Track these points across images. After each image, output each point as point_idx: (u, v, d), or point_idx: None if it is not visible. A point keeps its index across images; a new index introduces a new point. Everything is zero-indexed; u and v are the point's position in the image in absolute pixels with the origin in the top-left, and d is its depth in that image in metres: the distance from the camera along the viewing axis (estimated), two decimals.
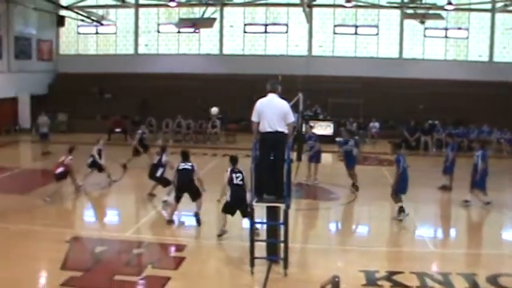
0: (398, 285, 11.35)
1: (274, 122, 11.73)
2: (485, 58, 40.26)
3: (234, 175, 14.10)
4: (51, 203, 17.61)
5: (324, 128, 32.90)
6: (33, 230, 14.70)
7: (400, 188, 16.53)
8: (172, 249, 13.53)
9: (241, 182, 13.99)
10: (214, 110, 20.23)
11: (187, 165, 15.65)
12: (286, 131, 11.90)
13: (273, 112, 11.78)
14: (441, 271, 12.25)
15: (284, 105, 11.98)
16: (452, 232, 16.37)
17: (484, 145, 19.73)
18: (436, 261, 13.31)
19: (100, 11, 39.57)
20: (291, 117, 12.05)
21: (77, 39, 43.31)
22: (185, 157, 15.90)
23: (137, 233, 14.95)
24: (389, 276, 11.75)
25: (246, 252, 11.93)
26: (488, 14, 39.83)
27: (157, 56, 42.24)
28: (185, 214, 16.23)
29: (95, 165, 20.15)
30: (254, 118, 12.00)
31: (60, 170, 18.41)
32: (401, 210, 16.39)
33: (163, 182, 18.02)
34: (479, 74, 38.44)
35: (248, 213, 12.67)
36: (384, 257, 13.64)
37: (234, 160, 14.63)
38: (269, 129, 11.74)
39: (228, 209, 13.99)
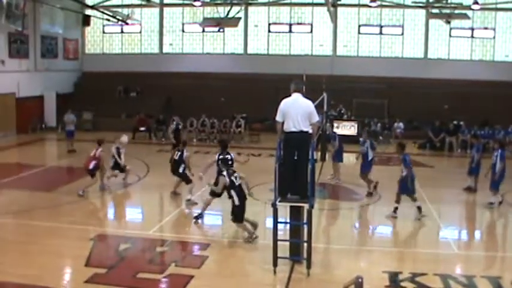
0: (421, 287, 11.28)
1: (299, 121, 11.72)
2: None
3: (233, 178, 14.27)
4: (80, 200, 17.78)
5: (348, 128, 32.75)
6: (59, 227, 14.85)
7: (403, 188, 16.58)
8: (196, 247, 13.57)
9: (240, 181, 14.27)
10: (124, 138, 20.07)
11: (227, 156, 15.85)
12: (310, 131, 11.89)
13: (297, 112, 11.77)
14: (465, 273, 12.15)
15: (309, 105, 11.96)
16: (477, 234, 16.24)
17: (503, 145, 19.40)
18: (460, 264, 13.22)
19: (125, 11, 39.77)
20: (316, 117, 12.03)
21: (102, 39, 43.64)
22: (224, 147, 16.26)
23: (161, 231, 15.03)
24: (413, 277, 11.68)
25: (269, 251, 11.92)
26: None
27: (181, 55, 42.39)
28: (208, 213, 16.26)
29: (117, 167, 20.13)
30: (279, 118, 11.96)
31: (93, 164, 18.56)
32: (395, 209, 16.76)
33: (186, 178, 18.06)
34: (506, 74, 38.03)
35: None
36: (407, 258, 13.58)
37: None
38: (294, 129, 11.73)
39: (242, 213, 14.04)
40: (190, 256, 13.05)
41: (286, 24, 41.50)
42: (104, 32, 43.37)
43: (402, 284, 11.45)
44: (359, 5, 40.13)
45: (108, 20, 39.11)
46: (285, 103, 11.96)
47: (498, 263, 13.62)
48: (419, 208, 16.51)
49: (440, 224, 16.59)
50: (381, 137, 35.11)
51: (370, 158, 20.35)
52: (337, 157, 22.23)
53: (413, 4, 38.71)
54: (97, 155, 18.72)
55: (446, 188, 21.34)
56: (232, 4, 35.76)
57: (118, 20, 38.90)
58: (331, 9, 35.97)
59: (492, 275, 12.10)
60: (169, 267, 11.95)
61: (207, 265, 12.21)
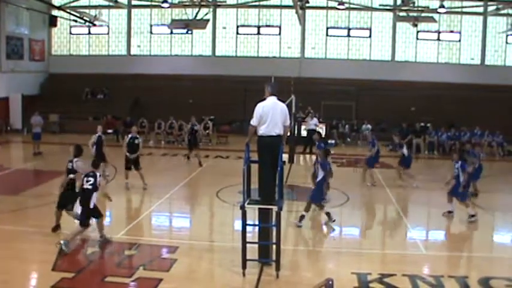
0: None
1: (278, 125, 11.73)
2: (477, 61, 40.46)
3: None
4: (47, 203, 17.56)
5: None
6: (25, 231, 14.62)
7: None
8: (164, 250, 13.47)
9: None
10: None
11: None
12: (281, 134, 11.90)
13: (277, 116, 11.74)
14: (433, 274, 12.26)
15: (285, 109, 11.99)
16: (444, 235, 16.39)
17: (463, 157, 18.53)
18: (428, 264, 13.32)
19: (92, 12, 39.51)
20: (288, 120, 12.07)
21: (70, 40, 43.28)
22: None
23: (129, 234, 14.89)
24: (382, 278, 11.75)
25: (237, 254, 11.90)
26: (480, 18, 40.03)
27: (149, 57, 42.25)
28: (177, 216, 16.20)
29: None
30: (254, 122, 11.85)
31: None
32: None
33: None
34: (471, 76, 38.65)
35: None
36: (376, 260, 13.63)
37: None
38: (272, 133, 11.70)
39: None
40: (159, 259, 12.94)
41: (255, 26, 41.60)
42: (71, 33, 43.03)
43: (371, 285, 11.49)
44: (327, 8, 40.37)
45: (75, 21, 38.78)
46: (263, 107, 11.83)
47: (465, 262, 13.79)
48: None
49: (408, 225, 16.74)
50: (348, 139, 35.40)
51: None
52: (371, 162, 22.51)
53: (380, 7, 39.09)
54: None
55: (414, 189, 21.53)
56: (200, 6, 35.68)
57: (85, 21, 38.61)
58: (300, 11, 36.08)
59: (459, 274, 12.23)
60: (137, 270, 11.85)
61: (175, 268, 12.14)
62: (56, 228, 14.56)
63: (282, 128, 11.79)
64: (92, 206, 13.48)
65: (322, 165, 16.36)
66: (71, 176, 14.52)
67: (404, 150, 22.44)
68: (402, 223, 17.08)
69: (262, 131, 11.78)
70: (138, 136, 20.56)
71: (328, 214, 16.34)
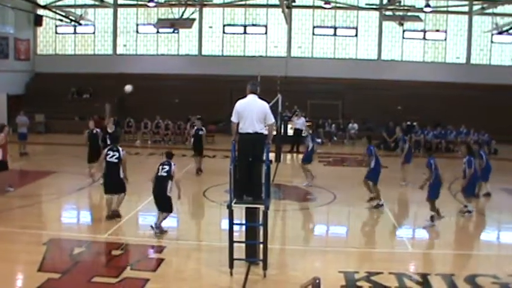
0: (377, 286, 11.38)
1: (254, 123, 11.72)
2: (463, 60, 40.66)
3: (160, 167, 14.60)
4: (33, 203, 17.49)
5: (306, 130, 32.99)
6: (10, 232, 14.53)
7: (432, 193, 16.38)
8: (151, 250, 13.44)
9: (165, 174, 14.43)
10: (128, 88, 19.87)
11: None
12: (265, 132, 11.90)
13: (253, 113, 11.76)
14: (420, 272, 12.32)
15: (264, 106, 11.96)
16: (431, 233, 16.46)
17: (470, 151, 18.19)
18: (414, 262, 13.38)
19: (78, 11, 39.36)
20: (271, 118, 12.03)
21: (55, 39, 43.08)
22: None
23: (116, 234, 14.84)
24: (369, 276, 11.79)
25: (225, 253, 11.89)
26: (466, 17, 40.23)
27: (135, 56, 42.12)
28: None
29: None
30: (234, 119, 11.95)
31: None
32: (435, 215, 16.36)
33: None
34: (457, 75, 38.87)
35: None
36: (363, 258, 13.68)
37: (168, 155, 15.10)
38: (249, 130, 11.72)
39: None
40: (146, 259, 12.92)
41: (241, 25, 41.58)
42: (56, 33, 42.83)
43: (358, 283, 11.53)
44: (313, 7, 40.44)
45: (61, 20, 38.64)
46: (240, 104, 11.95)
47: (451, 260, 13.83)
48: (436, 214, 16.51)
49: (395, 223, 16.80)
50: (335, 138, 35.48)
51: (310, 148, 21.81)
52: (407, 159, 22.57)
53: (367, 6, 39.21)
54: None
55: (401, 188, 21.61)
56: (186, 5, 35.63)
57: (71, 20, 38.47)
58: (286, 10, 36.13)
59: (446, 272, 12.29)
60: (124, 270, 11.80)
61: (162, 268, 12.11)
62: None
63: (261, 125, 11.79)
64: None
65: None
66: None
67: (406, 146, 22.61)
68: (389, 221, 17.13)
69: (240, 127, 11.87)
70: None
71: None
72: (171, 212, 14.65)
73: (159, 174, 14.50)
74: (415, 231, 16.93)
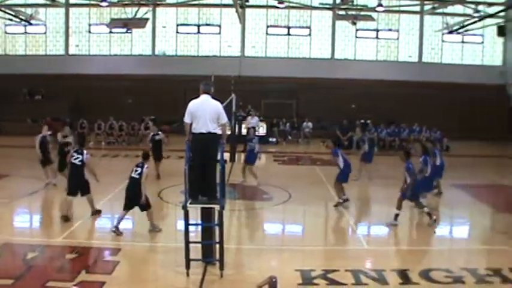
0: (334, 283, 11.49)
1: (207, 123, 11.73)
2: (415, 59, 41.30)
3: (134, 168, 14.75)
4: None
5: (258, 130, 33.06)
6: None
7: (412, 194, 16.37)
8: (107, 253, 13.31)
9: (137, 176, 14.56)
10: (162, 51, 19.82)
11: None
12: (219, 132, 11.92)
13: (206, 113, 11.77)
14: (375, 268, 12.46)
15: (217, 106, 11.98)
16: (386, 229, 16.67)
17: (425, 149, 18.65)
18: (370, 259, 13.52)
19: (29, 10, 38.71)
20: (224, 118, 12.05)
21: (5, 39, 42.32)
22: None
23: (70, 237, 14.65)
24: (325, 274, 11.88)
25: (181, 254, 11.85)
26: (417, 16, 40.87)
27: (88, 57, 41.64)
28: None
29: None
30: (187, 119, 11.95)
31: None
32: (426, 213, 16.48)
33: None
34: (409, 74, 39.46)
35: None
36: (319, 256, 13.79)
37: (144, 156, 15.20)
38: (202, 130, 11.73)
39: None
40: (101, 262, 12.78)
41: (195, 25, 41.45)
42: (6, 33, 42.09)
43: (315, 281, 11.61)
44: (267, 6, 40.58)
45: (11, 19, 37.97)
46: (193, 104, 11.96)
47: (406, 256, 14.03)
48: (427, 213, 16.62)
49: (350, 221, 16.98)
50: (289, 137, 35.66)
51: (256, 150, 22.03)
52: (366, 158, 23.15)
53: (320, 6, 39.50)
54: None
55: (355, 186, 21.81)
56: (140, 5, 35.39)
57: (21, 19, 37.82)
58: (240, 10, 36.17)
59: (400, 268, 12.47)
60: (79, 274, 11.66)
61: (118, 270, 12.00)
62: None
63: (215, 125, 11.81)
64: None
65: None
66: None
67: (366, 146, 22.88)
68: (344, 219, 17.31)
69: (194, 127, 11.88)
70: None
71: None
72: (150, 208, 14.81)
73: (132, 175, 14.66)
74: (370, 228, 17.15)
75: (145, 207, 14.71)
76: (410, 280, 11.77)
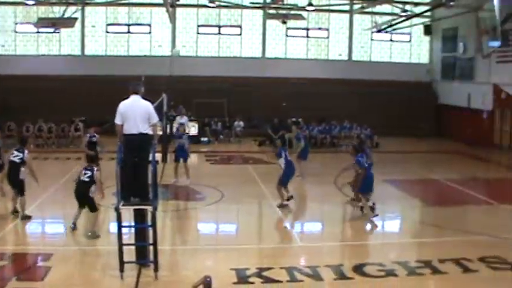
0: (269, 281, 11.63)
1: (138, 123, 11.71)
2: (345, 57, 41.89)
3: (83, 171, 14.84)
4: None
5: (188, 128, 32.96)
6: None
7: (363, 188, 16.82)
8: (38, 259, 13.04)
9: (87, 179, 14.62)
10: (176, 51, 19.59)
11: None
12: (150, 132, 11.89)
13: (136, 114, 11.75)
14: (309, 264, 12.68)
15: (147, 106, 11.97)
16: (320, 226, 16.91)
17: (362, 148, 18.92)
18: (304, 255, 13.75)
19: None
20: (155, 118, 12.04)
21: None
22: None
23: (0, 244, 14.31)
24: (260, 272, 12.02)
25: (114, 256, 11.76)
26: (347, 15, 41.46)
27: (15, 57, 40.55)
28: (50, 221, 15.77)
29: None
30: (118, 120, 11.92)
31: None
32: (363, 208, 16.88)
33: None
34: (340, 72, 39.97)
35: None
36: (253, 254, 13.90)
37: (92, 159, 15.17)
38: (133, 131, 11.70)
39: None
40: (33, 268, 12.54)
41: (125, 25, 40.96)
42: None
43: (250, 279, 11.72)
44: (198, 6, 40.42)
45: None
46: (123, 105, 11.94)
47: (339, 251, 14.35)
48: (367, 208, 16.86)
49: (283, 218, 17.16)
50: (221, 136, 35.70)
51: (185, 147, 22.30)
52: (302, 155, 23.28)
53: (250, 5, 39.60)
54: None
55: (289, 184, 22.02)
56: (68, 4, 34.77)
57: None
58: (170, 9, 35.95)
59: (334, 263, 12.72)
60: (10, 282, 11.41)
61: (51, 276, 11.79)
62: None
63: (145, 126, 11.80)
64: None
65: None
66: None
67: (302, 143, 23.13)
68: (277, 217, 17.47)
69: (125, 128, 11.85)
70: None
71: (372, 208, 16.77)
72: (97, 210, 14.84)
73: (81, 178, 14.68)
74: (304, 225, 17.38)
75: (95, 208, 14.74)
76: (345, 275, 12.03)
